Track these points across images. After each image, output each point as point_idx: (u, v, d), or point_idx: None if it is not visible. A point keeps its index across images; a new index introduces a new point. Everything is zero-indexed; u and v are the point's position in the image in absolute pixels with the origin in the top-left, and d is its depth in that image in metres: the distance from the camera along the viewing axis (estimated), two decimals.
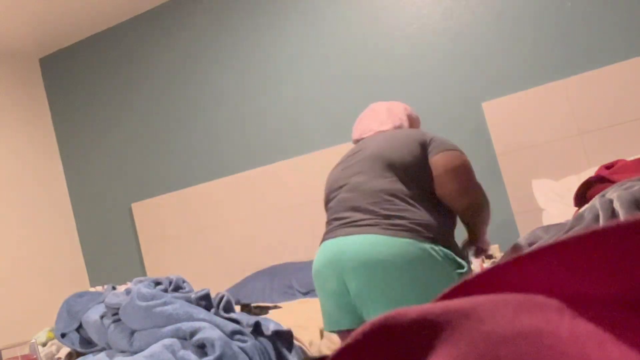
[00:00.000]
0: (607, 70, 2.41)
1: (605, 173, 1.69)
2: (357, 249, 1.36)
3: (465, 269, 1.38)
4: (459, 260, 1.39)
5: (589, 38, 2.48)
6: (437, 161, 1.46)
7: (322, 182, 2.97)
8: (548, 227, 1.21)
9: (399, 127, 1.67)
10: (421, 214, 1.40)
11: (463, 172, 1.45)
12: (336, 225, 1.47)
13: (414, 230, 1.36)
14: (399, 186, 1.44)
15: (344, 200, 1.49)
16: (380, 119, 1.69)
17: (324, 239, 1.50)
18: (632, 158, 2.20)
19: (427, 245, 1.35)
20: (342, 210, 1.48)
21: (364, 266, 1.35)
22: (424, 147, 1.50)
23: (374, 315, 1.36)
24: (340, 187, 1.54)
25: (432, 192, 1.47)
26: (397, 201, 1.41)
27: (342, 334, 1.48)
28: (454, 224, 1.51)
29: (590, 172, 2.22)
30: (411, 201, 1.42)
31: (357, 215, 1.43)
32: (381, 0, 2.87)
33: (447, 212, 1.48)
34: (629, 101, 2.37)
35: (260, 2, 3.14)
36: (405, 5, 2.82)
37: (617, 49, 2.43)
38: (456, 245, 1.46)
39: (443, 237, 1.40)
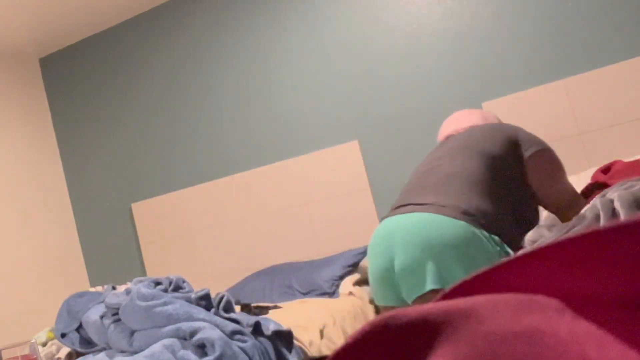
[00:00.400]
0: (607, 70, 2.41)
1: (603, 179, 1.71)
2: (409, 227, 1.39)
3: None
4: (509, 250, 1.39)
5: (589, 38, 2.48)
6: (533, 165, 1.49)
7: (322, 181, 2.97)
8: (552, 226, 1.21)
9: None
10: (484, 202, 1.40)
11: (554, 173, 1.49)
12: (399, 203, 1.52)
13: (470, 215, 1.37)
14: (472, 173, 1.45)
15: (414, 182, 1.54)
16: (471, 121, 1.72)
17: (383, 217, 1.53)
18: (632, 159, 2.20)
19: (479, 231, 1.35)
20: (409, 191, 1.52)
21: (411, 243, 1.36)
22: (512, 142, 1.52)
23: (411, 293, 1.36)
24: (417, 171, 1.59)
25: (512, 185, 1.48)
26: (464, 187, 1.43)
27: (387, 309, 1.48)
28: (527, 222, 1.51)
29: (590, 172, 2.22)
30: (479, 188, 1.43)
31: (419, 196, 1.46)
32: (381, 0, 2.87)
33: (524, 209, 1.48)
34: (629, 101, 2.37)
35: (260, 2, 3.14)
36: (405, 5, 2.82)
37: (617, 49, 2.43)
38: (516, 241, 1.45)
39: (503, 229, 1.40)
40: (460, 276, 1.32)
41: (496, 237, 1.37)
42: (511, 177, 1.48)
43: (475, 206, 1.38)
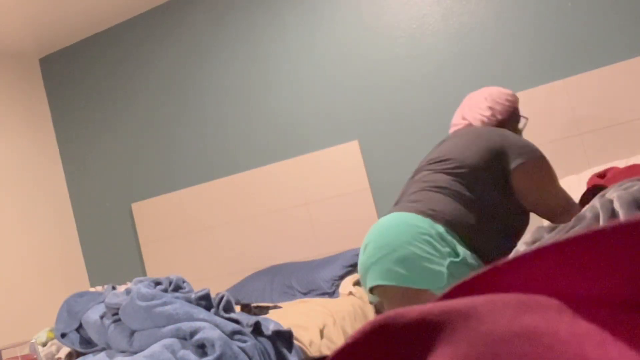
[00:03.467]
0: (607, 70, 2.41)
1: (601, 182, 1.71)
2: (381, 224, 1.46)
3: (459, 259, 1.36)
4: (460, 251, 1.37)
5: (589, 38, 2.48)
6: (518, 177, 1.45)
7: (322, 182, 2.97)
8: (553, 228, 1.21)
9: (473, 124, 1.65)
10: (453, 209, 1.42)
11: (542, 184, 1.46)
12: (395, 201, 1.63)
13: (430, 215, 1.41)
14: (447, 183, 1.48)
15: (407, 184, 1.63)
16: (462, 113, 1.71)
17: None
18: (630, 159, 2.20)
19: (438, 225, 1.38)
20: (402, 191, 1.62)
21: (372, 242, 1.43)
22: (497, 153, 1.47)
23: (371, 277, 1.41)
24: (412, 176, 1.65)
25: (491, 195, 1.46)
26: (435, 194, 1.47)
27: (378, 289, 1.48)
28: (511, 229, 1.48)
29: (590, 172, 2.22)
30: (450, 198, 1.45)
31: (402, 196, 1.57)
32: (382, 0, 2.87)
33: (507, 217, 1.46)
34: (629, 101, 2.37)
35: (260, 2, 3.14)
36: (405, 5, 2.82)
37: (617, 49, 2.43)
38: (484, 249, 1.42)
39: (469, 235, 1.40)
40: (398, 269, 1.35)
41: (453, 238, 1.37)
42: (491, 188, 1.46)
43: (441, 210, 1.42)
